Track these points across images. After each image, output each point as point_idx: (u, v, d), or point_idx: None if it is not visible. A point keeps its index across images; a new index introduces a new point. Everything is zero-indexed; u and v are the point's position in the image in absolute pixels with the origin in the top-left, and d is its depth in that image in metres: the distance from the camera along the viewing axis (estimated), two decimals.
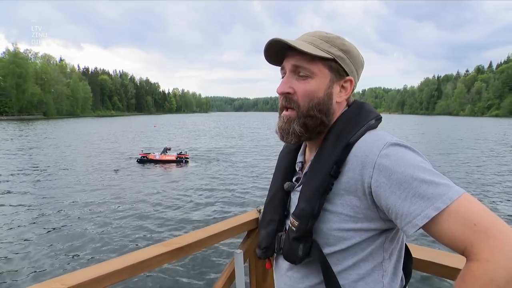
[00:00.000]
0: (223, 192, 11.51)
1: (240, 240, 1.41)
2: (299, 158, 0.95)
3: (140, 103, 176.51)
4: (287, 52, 0.83)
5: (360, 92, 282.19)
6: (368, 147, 0.74)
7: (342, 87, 0.85)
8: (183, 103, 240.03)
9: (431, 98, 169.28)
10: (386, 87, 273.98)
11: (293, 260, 0.82)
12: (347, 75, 0.84)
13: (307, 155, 0.94)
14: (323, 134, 0.85)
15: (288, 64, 0.83)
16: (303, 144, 0.96)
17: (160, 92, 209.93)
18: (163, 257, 1.10)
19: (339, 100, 0.85)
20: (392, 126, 54.59)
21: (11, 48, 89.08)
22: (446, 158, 19.22)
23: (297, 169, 0.94)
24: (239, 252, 1.30)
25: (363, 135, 0.78)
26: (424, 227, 0.66)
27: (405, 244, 0.90)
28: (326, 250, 0.78)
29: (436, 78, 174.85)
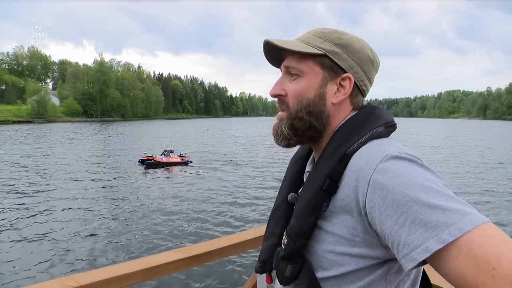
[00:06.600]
0: (248, 200, 11.34)
1: None
2: (308, 167, 0.86)
3: (209, 107, 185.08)
4: (282, 53, 0.78)
5: (436, 95, 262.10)
6: (364, 159, 0.64)
7: (340, 85, 0.75)
8: (249, 107, 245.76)
9: None
10: (465, 90, 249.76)
11: (280, 280, 0.74)
12: (345, 72, 0.74)
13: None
14: (320, 140, 0.78)
15: (282, 65, 0.79)
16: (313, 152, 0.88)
17: (227, 96, 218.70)
18: (178, 264, 1.10)
19: (336, 101, 0.74)
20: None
21: (98, 58, 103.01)
22: None
23: (305, 179, 0.85)
24: None
25: (363, 145, 0.67)
26: (428, 261, 0.54)
27: (423, 269, 0.76)
28: (319, 274, 0.69)
29: None
